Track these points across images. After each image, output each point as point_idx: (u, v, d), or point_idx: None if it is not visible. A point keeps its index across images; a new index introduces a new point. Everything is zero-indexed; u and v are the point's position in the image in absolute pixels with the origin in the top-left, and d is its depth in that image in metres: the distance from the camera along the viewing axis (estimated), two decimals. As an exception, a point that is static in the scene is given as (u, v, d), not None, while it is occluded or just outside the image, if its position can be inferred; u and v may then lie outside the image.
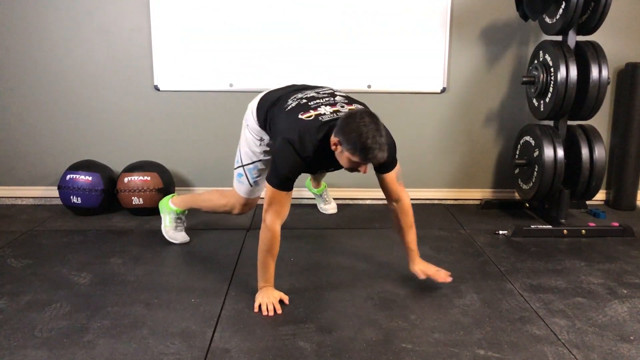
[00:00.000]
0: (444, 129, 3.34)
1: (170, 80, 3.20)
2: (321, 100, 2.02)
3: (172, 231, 2.59)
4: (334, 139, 1.85)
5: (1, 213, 3.08)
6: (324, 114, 1.94)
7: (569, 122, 2.93)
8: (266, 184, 1.95)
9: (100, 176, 3.00)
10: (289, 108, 2.03)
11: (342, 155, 1.85)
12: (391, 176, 2.10)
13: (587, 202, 3.22)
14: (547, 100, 2.86)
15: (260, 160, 2.28)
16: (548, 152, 2.79)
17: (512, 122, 3.32)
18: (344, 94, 2.13)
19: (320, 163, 1.99)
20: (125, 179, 2.99)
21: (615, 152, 3.33)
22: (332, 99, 2.05)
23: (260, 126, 2.19)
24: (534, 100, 3.02)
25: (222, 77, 3.21)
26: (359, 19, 3.15)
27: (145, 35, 3.15)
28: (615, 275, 2.29)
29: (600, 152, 2.81)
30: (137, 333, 1.77)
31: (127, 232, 2.76)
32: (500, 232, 2.80)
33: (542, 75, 2.85)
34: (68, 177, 2.98)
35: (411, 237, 2.17)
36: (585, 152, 2.82)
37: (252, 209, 2.43)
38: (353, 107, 2.01)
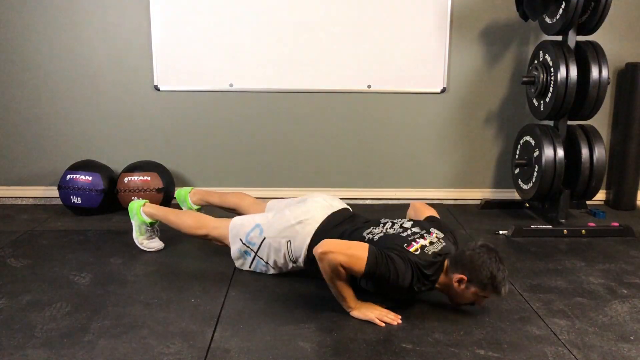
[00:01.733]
0: (444, 129, 3.33)
1: (170, 80, 3.20)
2: (409, 231, 1.99)
3: (146, 241, 2.48)
4: (458, 275, 1.84)
5: (1, 213, 3.08)
6: (425, 246, 1.91)
7: (569, 122, 2.93)
8: (363, 251, 1.81)
9: (100, 176, 3.00)
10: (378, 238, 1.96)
11: (467, 291, 1.85)
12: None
13: (587, 202, 3.21)
14: (547, 100, 2.85)
15: (276, 266, 2.20)
16: (548, 152, 2.79)
17: (512, 122, 3.32)
18: (409, 220, 2.11)
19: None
20: (125, 179, 2.99)
21: (615, 152, 3.33)
22: (414, 228, 2.01)
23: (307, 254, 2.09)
24: (534, 100, 3.02)
25: (222, 77, 3.20)
26: (359, 19, 3.15)
27: (145, 35, 3.15)
28: (615, 275, 2.29)
29: (600, 152, 2.81)
30: (137, 333, 1.77)
31: (127, 232, 2.75)
32: (500, 232, 2.80)
33: (542, 75, 2.85)
34: (68, 177, 2.98)
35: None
36: (585, 152, 2.82)
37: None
38: (433, 233, 2.00)
